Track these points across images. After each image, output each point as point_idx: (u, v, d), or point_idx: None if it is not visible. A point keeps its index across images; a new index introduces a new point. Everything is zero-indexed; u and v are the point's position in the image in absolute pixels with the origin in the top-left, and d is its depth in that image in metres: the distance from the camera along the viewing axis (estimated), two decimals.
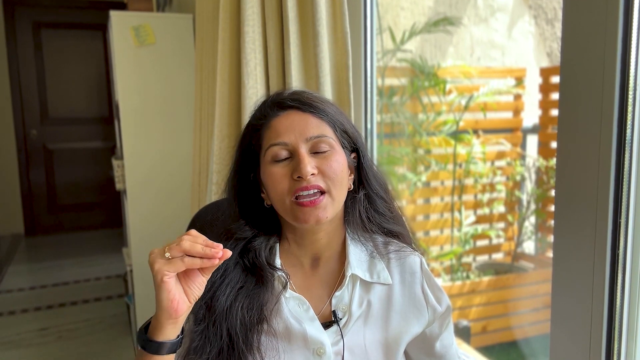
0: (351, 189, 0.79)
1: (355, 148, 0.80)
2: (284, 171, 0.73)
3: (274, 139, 0.74)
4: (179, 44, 2.25)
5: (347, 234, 0.80)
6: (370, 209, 0.81)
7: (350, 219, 0.79)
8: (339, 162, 0.74)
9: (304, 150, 0.72)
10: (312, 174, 0.71)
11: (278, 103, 0.77)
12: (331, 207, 0.73)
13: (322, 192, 0.72)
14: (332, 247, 0.80)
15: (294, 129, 0.74)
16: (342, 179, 0.74)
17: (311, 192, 0.71)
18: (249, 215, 0.80)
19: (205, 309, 0.74)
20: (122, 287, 3.28)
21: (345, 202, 0.79)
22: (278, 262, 0.78)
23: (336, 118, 0.77)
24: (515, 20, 3.35)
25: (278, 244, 0.80)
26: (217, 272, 0.75)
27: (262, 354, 0.72)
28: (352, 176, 0.79)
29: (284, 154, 0.73)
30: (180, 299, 0.63)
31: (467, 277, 3.03)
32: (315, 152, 0.73)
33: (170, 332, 0.64)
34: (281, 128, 0.74)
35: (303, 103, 0.76)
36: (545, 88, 2.87)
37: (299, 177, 0.71)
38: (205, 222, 1.00)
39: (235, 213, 0.81)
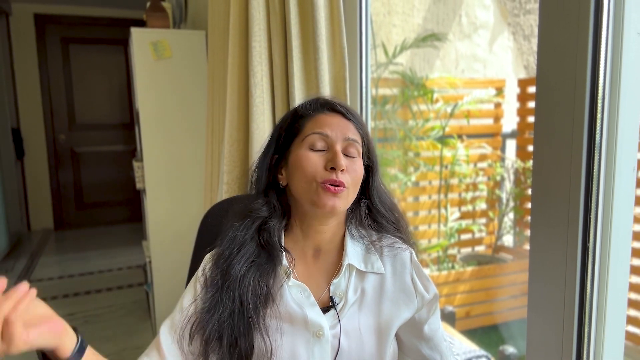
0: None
1: (368, 167, 0.81)
2: (319, 160, 0.74)
3: (317, 129, 0.76)
4: (193, 57, 2.25)
5: (346, 231, 0.80)
6: (369, 218, 0.82)
7: (352, 220, 0.81)
8: (361, 168, 0.77)
9: (339, 147, 0.74)
10: (342, 170, 0.72)
11: (329, 104, 0.80)
12: (345, 201, 0.74)
13: (344, 187, 0.73)
14: (333, 241, 0.80)
15: (337, 127, 0.76)
16: (358, 183, 0.76)
17: (337, 184, 0.72)
18: (268, 195, 0.81)
19: (220, 274, 0.74)
20: (142, 276, 3.28)
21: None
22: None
23: (367, 136, 0.80)
24: (496, 36, 3.35)
25: (284, 231, 0.80)
26: (234, 243, 0.76)
27: (267, 331, 0.72)
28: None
29: (321, 144, 0.75)
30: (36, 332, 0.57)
31: (453, 267, 3.03)
32: (345, 154, 0.75)
33: (68, 345, 0.61)
34: (325, 122, 0.76)
35: (349, 112, 0.79)
36: (523, 97, 2.87)
37: (332, 168, 0.72)
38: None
39: (258, 191, 0.82)
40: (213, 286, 0.74)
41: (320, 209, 0.72)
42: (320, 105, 0.80)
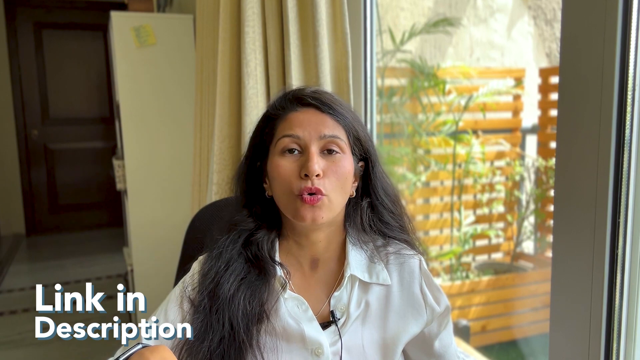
0: (353, 195, 0.79)
1: (364, 157, 0.80)
2: (292, 167, 0.73)
3: (287, 131, 0.74)
4: (179, 44, 2.25)
5: (347, 237, 0.80)
6: (374, 218, 0.81)
7: (352, 223, 0.80)
8: (345, 167, 0.74)
9: (314, 148, 0.73)
10: (317, 175, 0.71)
11: (298, 98, 0.78)
12: (327, 210, 0.73)
13: (322, 194, 0.72)
14: (331, 249, 0.80)
15: (309, 125, 0.74)
16: (344, 184, 0.75)
17: (313, 193, 0.71)
18: (253, 206, 0.81)
19: (208, 296, 0.74)
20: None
21: (348, 207, 0.79)
22: (278, 260, 0.78)
23: (352, 124, 0.77)
24: (515, 21, 3.35)
25: (278, 241, 0.80)
26: (221, 260, 0.76)
27: (262, 351, 0.72)
28: (356, 184, 0.80)
29: (294, 147, 0.74)
30: None
31: (467, 276, 3.03)
32: (325, 150, 0.74)
33: None
34: (296, 122, 0.75)
35: (323, 103, 0.76)
36: (545, 88, 2.87)
37: (305, 175, 0.71)
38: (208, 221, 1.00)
39: (241, 202, 0.81)
40: (201, 312, 0.73)
41: (301, 221, 0.73)
42: (290, 101, 0.78)
